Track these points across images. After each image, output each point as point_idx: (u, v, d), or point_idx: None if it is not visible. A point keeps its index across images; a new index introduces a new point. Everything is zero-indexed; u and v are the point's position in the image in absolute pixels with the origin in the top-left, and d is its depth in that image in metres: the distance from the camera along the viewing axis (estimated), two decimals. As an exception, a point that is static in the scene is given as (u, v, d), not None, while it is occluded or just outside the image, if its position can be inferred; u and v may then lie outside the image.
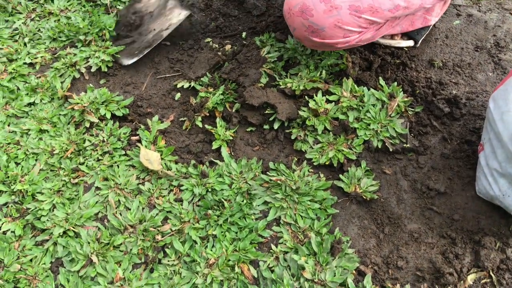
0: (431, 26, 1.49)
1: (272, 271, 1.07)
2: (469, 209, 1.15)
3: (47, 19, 1.66)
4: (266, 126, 1.33)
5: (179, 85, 1.44)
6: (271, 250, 1.10)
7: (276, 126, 1.31)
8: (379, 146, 1.25)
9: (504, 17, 1.56)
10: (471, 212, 1.15)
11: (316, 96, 1.31)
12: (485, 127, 1.14)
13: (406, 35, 1.48)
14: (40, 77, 1.50)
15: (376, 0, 1.13)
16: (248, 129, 1.34)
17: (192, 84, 1.42)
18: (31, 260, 1.12)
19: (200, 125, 1.34)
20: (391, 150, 1.24)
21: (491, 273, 1.06)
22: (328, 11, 1.12)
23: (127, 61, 1.49)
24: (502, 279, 1.05)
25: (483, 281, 1.05)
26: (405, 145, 1.25)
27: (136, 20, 1.60)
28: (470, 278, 1.05)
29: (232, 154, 1.29)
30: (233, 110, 1.35)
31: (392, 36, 1.46)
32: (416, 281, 1.06)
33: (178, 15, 1.55)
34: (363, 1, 1.12)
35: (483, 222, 1.13)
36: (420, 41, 1.48)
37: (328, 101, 1.32)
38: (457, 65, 1.44)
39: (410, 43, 1.48)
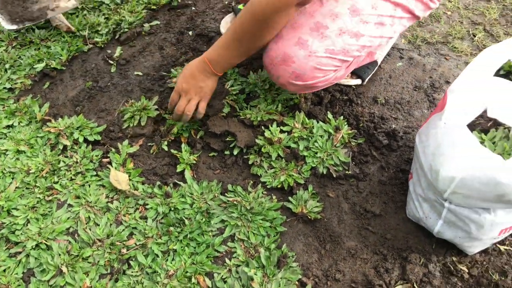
0: (377, 67, 1.69)
1: (225, 282, 1.20)
2: (400, 229, 1.32)
3: (28, 47, 1.79)
4: (227, 152, 1.48)
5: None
6: (225, 263, 1.24)
7: (235, 152, 1.46)
8: (324, 172, 1.41)
9: (440, 61, 1.77)
10: (401, 232, 1.32)
11: (272, 126, 1.48)
12: (413, 158, 1.32)
13: (354, 74, 1.67)
14: (19, 101, 1.61)
15: (346, 42, 1.29)
16: (211, 154, 1.49)
17: (161, 112, 1.57)
18: (4, 271, 1.22)
19: (166, 149, 1.48)
20: (334, 176, 1.41)
21: (414, 285, 1.22)
22: (308, 57, 1.27)
23: (8, 26, 1.73)
24: (424, 290, 1.21)
25: (408, 292, 1.21)
26: (347, 172, 1.42)
27: None
28: (397, 289, 1.21)
29: (195, 176, 1.44)
30: (197, 137, 1.50)
31: None
32: (351, 292, 1.21)
33: (66, 2, 1.81)
34: (336, 44, 1.28)
35: (411, 241, 1.30)
36: (366, 80, 1.67)
37: (282, 131, 1.48)
38: (398, 102, 1.63)
39: (358, 81, 1.67)
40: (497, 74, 1.26)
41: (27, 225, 1.30)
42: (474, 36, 1.88)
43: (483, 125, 1.15)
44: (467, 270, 1.24)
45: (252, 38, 1.26)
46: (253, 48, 1.29)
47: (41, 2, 1.80)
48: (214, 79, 1.38)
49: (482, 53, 1.25)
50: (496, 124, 1.08)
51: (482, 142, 1.10)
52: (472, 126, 1.20)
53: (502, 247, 1.28)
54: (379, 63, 1.71)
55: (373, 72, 1.69)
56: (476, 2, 2.04)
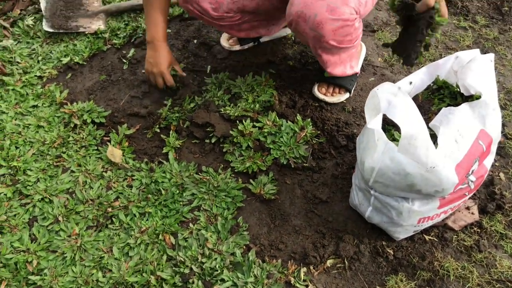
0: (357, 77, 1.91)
1: (186, 241, 1.46)
2: (342, 214, 1.54)
3: (59, 44, 2.14)
4: (207, 140, 1.75)
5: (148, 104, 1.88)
6: (189, 227, 1.50)
7: (213, 140, 1.73)
8: (285, 163, 1.65)
9: (408, 79, 1.99)
10: (342, 217, 1.54)
11: (245, 121, 1.74)
12: (358, 155, 1.55)
13: (343, 88, 1.88)
14: (45, 87, 1.95)
15: None
16: (193, 141, 1.76)
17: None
18: (15, 215, 1.52)
19: (158, 131, 1.77)
20: (293, 166, 1.65)
21: (345, 260, 1.43)
22: None
23: (47, 28, 2.17)
24: (352, 266, 1.43)
25: (338, 265, 1.43)
26: (305, 164, 1.66)
27: (76, 7, 2.29)
28: (329, 262, 1.43)
29: (177, 158, 1.71)
30: (184, 126, 1.79)
31: (332, 93, 1.87)
32: (289, 260, 1.44)
33: (97, 26, 2.21)
34: None
35: (349, 224, 1.52)
36: (352, 91, 1.90)
37: (254, 126, 1.74)
38: (363, 111, 1.86)
39: (347, 94, 1.89)
40: (429, 87, 1.48)
41: (36, 183, 1.61)
42: (445, 59, 2.08)
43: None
44: (392, 253, 1.45)
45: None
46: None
47: (79, 22, 2.21)
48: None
49: (423, 68, 1.47)
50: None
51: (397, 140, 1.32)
52: (394, 128, 1.43)
53: (427, 237, 1.48)
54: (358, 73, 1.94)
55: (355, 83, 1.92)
56: (454, 30, 2.24)
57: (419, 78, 1.47)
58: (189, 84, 1.94)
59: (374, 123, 1.28)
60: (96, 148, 1.73)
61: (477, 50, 1.37)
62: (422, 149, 1.14)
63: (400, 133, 1.42)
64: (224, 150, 1.72)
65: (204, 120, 1.74)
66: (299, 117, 1.78)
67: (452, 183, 1.23)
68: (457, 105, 1.37)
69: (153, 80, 1.85)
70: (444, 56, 2.11)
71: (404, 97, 1.13)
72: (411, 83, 1.41)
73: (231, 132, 1.72)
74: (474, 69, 1.33)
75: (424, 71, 1.46)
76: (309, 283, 1.38)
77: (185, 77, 1.93)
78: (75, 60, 2.06)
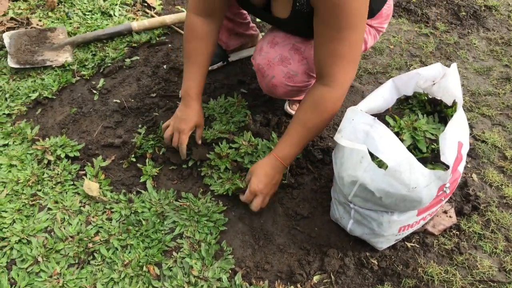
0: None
1: (171, 270, 1.44)
2: (324, 229, 1.56)
3: (26, 80, 2.11)
4: (184, 166, 1.75)
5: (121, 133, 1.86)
6: (172, 256, 1.48)
7: (190, 165, 1.73)
8: (264, 182, 1.66)
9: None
10: (325, 231, 1.55)
11: (221, 144, 1.74)
12: (335, 169, 1.57)
13: None
14: (15, 124, 1.92)
15: None
16: (170, 167, 1.75)
17: (132, 133, 1.85)
18: (-9, 260, 1.48)
19: (134, 160, 1.75)
20: (272, 185, 1.66)
21: (331, 275, 1.44)
22: (301, 60, 1.53)
23: (12, 64, 2.11)
24: (339, 280, 1.44)
25: (325, 280, 1.44)
26: (284, 181, 1.67)
27: (41, 40, 2.25)
28: (316, 278, 1.44)
29: (155, 186, 1.70)
30: (160, 153, 1.78)
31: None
32: (275, 280, 1.44)
33: (65, 58, 2.18)
34: None
35: (332, 238, 1.53)
36: None
37: (230, 148, 1.75)
38: (336, 124, 1.89)
39: None
40: (399, 98, 1.51)
41: (13, 224, 1.57)
42: (410, 66, 2.14)
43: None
44: (377, 263, 1.47)
45: (319, 131, 1.48)
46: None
47: (45, 56, 2.17)
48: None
49: (389, 82, 1.50)
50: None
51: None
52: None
53: (409, 244, 1.51)
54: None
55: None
56: (416, 37, 2.31)
57: (388, 91, 1.49)
58: (200, 153, 1.74)
59: (352, 141, 1.27)
60: (72, 183, 1.70)
61: (438, 64, 1.40)
62: (406, 173, 1.17)
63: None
64: (202, 174, 1.71)
65: (180, 146, 1.74)
66: (274, 135, 1.79)
67: (431, 197, 1.26)
68: (427, 113, 1.41)
69: (168, 137, 1.67)
70: (409, 64, 2.17)
71: (380, 127, 1.16)
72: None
73: (208, 155, 1.73)
74: (451, 80, 1.35)
75: (390, 84, 1.48)
76: (298, 301, 1.38)
77: (200, 146, 1.74)
78: (44, 95, 2.03)
